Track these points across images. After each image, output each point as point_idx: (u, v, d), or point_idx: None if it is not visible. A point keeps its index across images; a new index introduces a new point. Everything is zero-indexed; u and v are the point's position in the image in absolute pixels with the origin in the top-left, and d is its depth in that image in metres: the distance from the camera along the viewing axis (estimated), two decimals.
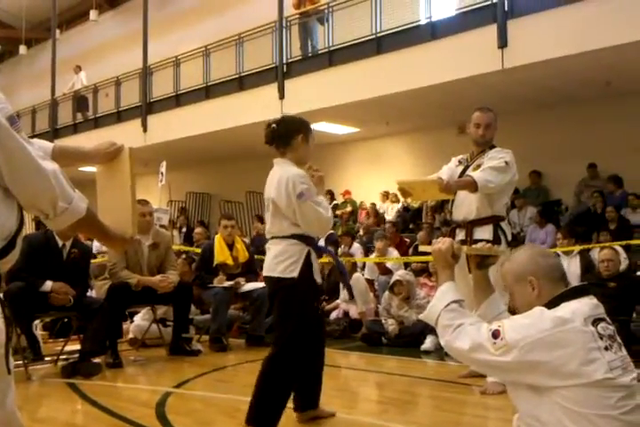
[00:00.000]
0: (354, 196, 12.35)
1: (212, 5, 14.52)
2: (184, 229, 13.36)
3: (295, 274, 2.98)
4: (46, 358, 5.26)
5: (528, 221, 9.09)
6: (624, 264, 6.14)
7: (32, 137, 1.68)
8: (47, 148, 1.86)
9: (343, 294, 7.07)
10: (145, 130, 13.26)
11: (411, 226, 10.45)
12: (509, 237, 4.16)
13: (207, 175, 15.31)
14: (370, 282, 7.54)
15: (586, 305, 1.88)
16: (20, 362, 4.67)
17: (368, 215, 11.02)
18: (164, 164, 9.10)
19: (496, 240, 3.94)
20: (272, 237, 3.10)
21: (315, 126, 11.41)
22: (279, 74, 10.78)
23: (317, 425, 3.28)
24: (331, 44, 10.32)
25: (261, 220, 12.22)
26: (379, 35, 9.58)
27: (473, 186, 3.89)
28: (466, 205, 4.14)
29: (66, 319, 6.21)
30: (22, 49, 19.29)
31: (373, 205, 11.20)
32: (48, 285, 4.74)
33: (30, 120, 16.76)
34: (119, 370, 4.96)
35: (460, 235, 4.17)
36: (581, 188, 9.40)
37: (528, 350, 1.81)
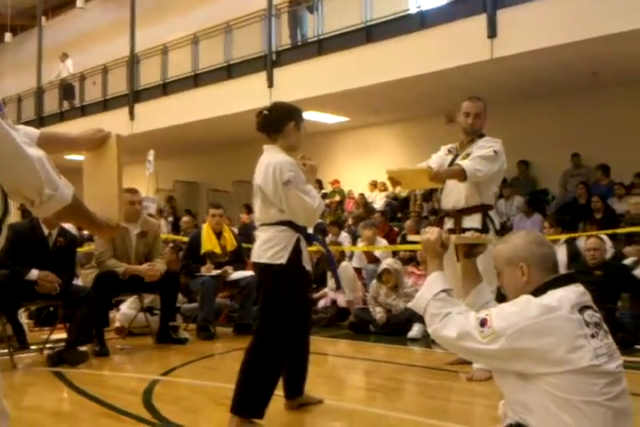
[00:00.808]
0: (342, 185, 12.35)
1: None
2: (171, 218, 13.31)
3: (283, 260, 2.94)
4: (32, 347, 5.24)
5: (515, 211, 9.14)
6: (610, 253, 6.19)
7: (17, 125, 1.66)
8: (33, 134, 1.84)
9: (331, 282, 7.08)
10: (132, 118, 13.18)
11: (399, 215, 10.48)
12: (497, 226, 4.18)
13: (195, 164, 15.24)
14: (358, 271, 7.55)
15: (572, 293, 1.89)
16: (6, 351, 4.66)
17: (357, 205, 11.03)
18: (152, 152, 9.05)
19: (484, 229, 3.95)
20: (261, 224, 3.08)
21: (304, 115, 11.45)
22: (268, 62, 10.72)
23: (306, 412, 3.29)
24: (320, 33, 10.27)
25: (249, 209, 12.19)
26: (368, 24, 9.55)
27: (462, 175, 3.90)
28: (455, 194, 4.15)
29: (52, 308, 6.18)
30: (8, 36, 19.06)
31: (362, 195, 11.20)
32: (34, 273, 4.70)
33: (16, 108, 16.58)
34: (106, 358, 4.94)
35: (449, 223, 4.18)
36: (567, 178, 9.47)
37: (515, 337, 1.82)
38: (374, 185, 11.55)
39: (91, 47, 16.45)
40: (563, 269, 2.07)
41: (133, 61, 13.51)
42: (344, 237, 8.81)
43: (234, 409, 2.91)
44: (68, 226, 5.42)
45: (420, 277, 6.31)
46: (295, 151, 3.17)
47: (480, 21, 8.11)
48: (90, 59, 15.25)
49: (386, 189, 11.19)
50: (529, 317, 1.82)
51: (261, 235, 3.05)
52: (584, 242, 5.87)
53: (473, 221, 4.08)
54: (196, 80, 12.11)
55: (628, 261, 6.04)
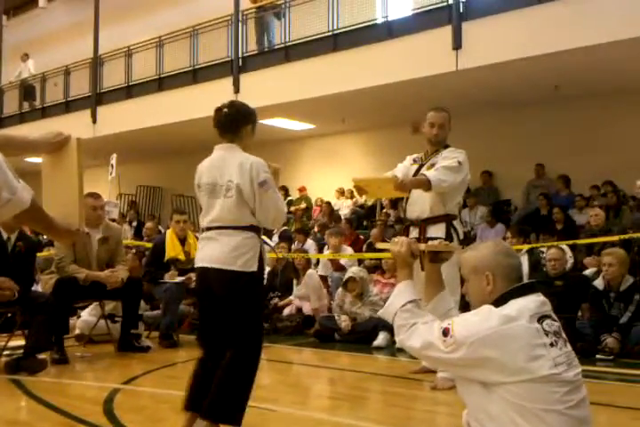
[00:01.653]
0: (309, 192, 12.36)
1: None
2: (134, 223, 13.14)
3: (255, 268, 2.87)
4: None
5: (479, 220, 9.28)
6: (570, 263, 6.33)
7: None
8: None
9: (296, 289, 7.08)
10: (94, 121, 12.96)
11: (365, 223, 10.53)
12: (461, 236, 4.25)
13: (159, 169, 15.06)
14: (323, 278, 7.56)
15: (532, 302, 1.92)
16: None
17: (323, 212, 11.04)
18: (115, 156, 8.93)
19: (448, 238, 4.01)
20: (224, 227, 2.88)
21: (270, 122, 11.49)
22: (234, 68, 10.68)
23: (270, 421, 3.28)
24: (287, 40, 10.28)
25: None
26: (335, 32, 9.60)
27: (427, 184, 3.95)
28: (419, 204, 4.20)
29: (9, 314, 6.03)
30: None
31: (328, 203, 11.22)
32: None
33: None
34: (65, 366, 4.85)
35: (414, 233, 4.22)
36: (529, 188, 9.65)
37: (476, 346, 1.85)
38: (341, 193, 11.59)
39: (53, 47, 16.16)
40: (524, 279, 2.11)
41: (97, 63, 13.31)
42: (310, 244, 8.81)
43: (211, 416, 2.79)
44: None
45: (386, 286, 6.36)
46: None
47: (445, 33, 8.23)
48: (52, 59, 14.97)
49: (352, 197, 11.24)
50: (489, 326, 1.85)
51: (226, 239, 2.86)
52: (545, 252, 5.99)
53: (437, 230, 4.13)
54: (161, 84, 11.99)
55: (587, 272, 6.18)
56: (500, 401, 1.86)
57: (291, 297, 7.16)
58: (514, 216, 9.37)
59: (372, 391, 3.78)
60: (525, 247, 6.65)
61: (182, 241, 6.19)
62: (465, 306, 3.12)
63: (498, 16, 7.89)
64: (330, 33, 9.64)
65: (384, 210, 10.23)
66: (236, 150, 2.96)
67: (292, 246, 8.48)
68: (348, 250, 8.01)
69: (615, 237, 6.38)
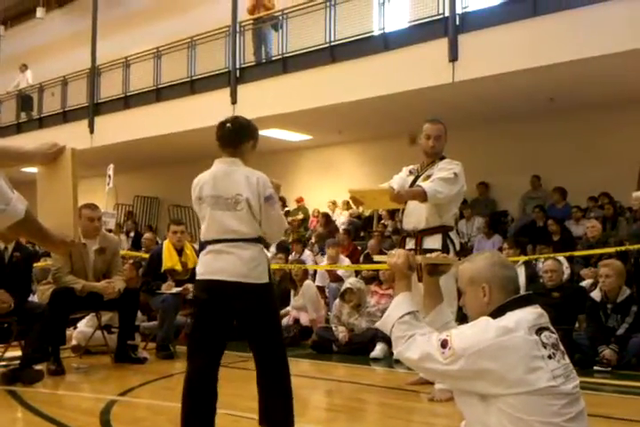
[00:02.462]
0: (306, 203, 12.38)
1: (165, 7, 14.34)
2: (132, 234, 13.11)
3: (267, 279, 2.91)
4: None
5: (476, 232, 9.29)
6: (566, 274, 6.34)
7: None
8: None
9: (294, 300, 7.07)
10: (92, 131, 12.99)
11: (362, 234, 10.54)
12: (458, 247, 4.25)
13: (156, 179, 15.07)
14: (321, 289, 7.55)
15: (530, 314, 1.93)
16: None
17: (320, 223, 11.05)
18: (112, 166, 8.94)
19: (445, 249, 4.01)
20: (237, 240, 2.88)
21: (267, 133, 11.52)
22: (232, 79, 10.73)
23: None
24: (284, 51, 10.34)
25: None
26: (332, 44, 9.66)
27: (423, 196, 3.97)
28: (416, 215, 4.22)
29: (5, 324, 6.00)
30: None
31: (325, 213, 11.23)
32: None
33: None
34: (62, 377, 4.82)
35: (410, 244, 4.23)
36: (526, 200, 9.68)
37: (474, 358, 1.85)
38: (334, 205, 11.64)
39: (50, 58, 16.20)
40: (521, 291, 2.12)
41: (94, 74, 13.35)
42: (307, 255, 8.81)
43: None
44: None
45: (383, 297, 6.36)
46: None
47: (442, 45, 8.29)
48: (49, 70, 15.01)
49: (349, 208, 11.26)
50: (487, 338, 1.86)
51: (240, 252, 2.86)
52: (542, 264, 6.00)
53: (434, 241, 4.14)
54: (158, 94, 12.03)
55: (584, 284, 6.19)
56: (497, 413, 1.86)
57: (288, 308, 7.14)
58: (510, 228, 9.40)
59: (369, 403, 3.77)
60: (522, 259, 6.66)
61: (179, 252, 6.18)
62: (462, 318, 3.13)
63: (494, 28, 7.96)
64: (327, 44, 9.71)
65: (382, 221, 10.24)
66: (240, 164, 2.98)
67: (290, 257, 8.48)
68: (346, 261, 8.02)
69: (612, 249, 6.40)
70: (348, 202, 11.02)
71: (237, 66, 10.84)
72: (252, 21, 11.06)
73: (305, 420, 3.61)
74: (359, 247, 9.17)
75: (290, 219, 11.36)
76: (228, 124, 3.00)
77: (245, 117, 3.17)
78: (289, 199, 12.34)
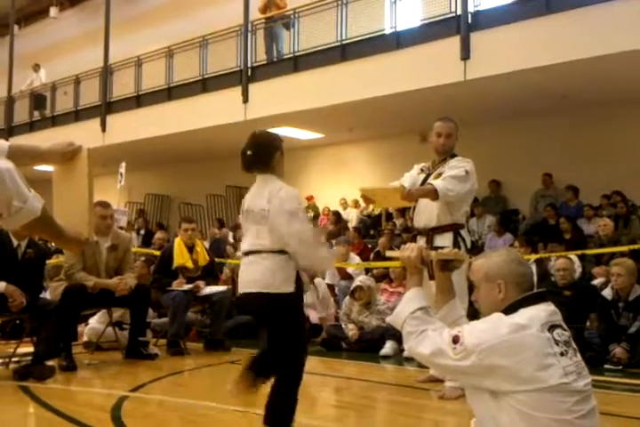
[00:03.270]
0: (317, 201, 12.39)
1: (177, 6, 14.40)
2: (142, 231, 13.18)
3: (291, 288, 2.90)
4: None
5: (487, 230, 9.26)
6: (578, 273, 6.31)
7: None
8: (3, 147, 1.82)
9: (304, 298, 7.07)
10: (104, 130, 13.05)
11: (372, 232, 10.52)
12: (469, 245, 4.24)
13: (167, 177, 15.14)
14: (331, 287, 7.55)
15: (543, 311, 1.92)
16: None
17: (330, 221, 11.05)
18: (124, 164, 8.98)
19: (456, 247, 3.99)
20: (259, 251, 2.93)
21: (278, 131, 11.51)
22: (243, 77, 10.75)
23: None
24: (296, 50, 10.35)
25: (221, 224, 12.14)
26: (344, 42, 9.65)
27: (434, 194, 3.96)
28: (427, 213, 4.21)
29: (18, 321, 6.06)
30: None
31: (336, 212, 11.22)
32: (1, 285, 4.61)
33: None
34: (73, 373, 4.84)
35: (421, 242, 4.22)
36: (537, 198, 9.63)
37: (486, 354, 1.85)
38: (345, 204, 11.63)
39: (63, 57, 16.32)
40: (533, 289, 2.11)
41: (107, 72, 13.42)
42: None
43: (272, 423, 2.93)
44: None
45: (393, 295, 6.35)
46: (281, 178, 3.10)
47: (454, 43, 8.26)
48: (62, 69, 15.12)
49: (358, 206, 11.25)
50: (499, 334, 1.85)
51: (262, 262, 2.92)
52: (553, 262, 5.98)
53: (444, 239, 4.13)
54: (170, 93, 12.08)
55: (596, 282, 6.15)
56: (509, 410, 1.86)
57: None
58: (522, 226, 9.35)
59: (379, 401, 3.77)
60: (534, 257, 6.63)
61: (190, 249, 6.20)
62: (473, 314, 3.12)
63: (506, 26, 7.92)
64: (338, 43, 9.70)
65: (393, 219, 10.23)
66: (269, 180, 3.00)
67: None
68: (356, 259, 8.01)
69: (624, 248, 6.36)
70: (356, 200, 11.02)
71: (249, 65, 10.86)
72: (263, 20, 11.08)
73: (315, 417, 3.62)
74: (369, 245, 9.16)
75: None
76: (249, 152, 3.01)
77: (263, 132, 3.17)
78: (300, 197, 12.32)
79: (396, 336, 5.22)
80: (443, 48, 8.41)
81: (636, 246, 6.27)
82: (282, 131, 10.99)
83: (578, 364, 1.89)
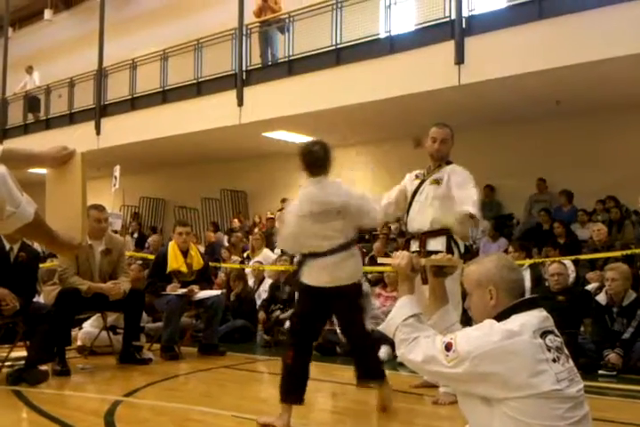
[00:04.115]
0: None
1: (172, 9, 14.39)
2: (136, 235, 13.15)
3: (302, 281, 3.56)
4: None
5: (481, 234, 9.27)
6: (572, 278, 6.32)
7: None
8: None
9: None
10: (98, 133, 13.02)
11: (366, 236, 10.51)
12: (462, 250, 4.25)
13: (162, 181, 15.10)
14: None
15: (535, 318, 1.93)
16: None
17: None
18: (118, 168, 8.96)
19: (449, 252, 4.01)
20: (347, 246, 3.48)
21: (272, 135, 11.50)
22: (238, 81, 10.75)
23: None
24: (291, 54, 10.36)
25: (215, 227, 12.11)
26: (338, 46, 9.67)
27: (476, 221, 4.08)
28: (420, 218, 4.22)
29: (10, 325, 6.01)
30: None
31: None
32: None
33: None
34: (67, 378, 4.83)
35: (414, 246, 4.23)
36: (532, 203, 9.65)
37: (478, 361, 1.85)
38: None
39: (58, 60, 16.28)
40: (527, 294, 2.11)
41: (101, 75, 13.40)
42: None
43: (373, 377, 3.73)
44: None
45: (388, 299, 6.35)
46: None
47: (448, 48, 8.27)
48: (56, 71, 15.08)
49: None
50: (491, 341, 1.86)
51: (355, 256, 3.56)
52: (547, 267, 5.98)
53: (437, 243, 4.15)
54: (165, 96, 12.06)
55: (589, 287, 6.17)
56: (501, 417, 1.86)
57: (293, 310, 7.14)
58: (516, 231, 9.37)
59: (373, 406, 3.76)
60: (528, 262, 6.64)
61: (184, 253, 6.19)
62: (467, 321, 3.12)
63: (500, 31, 7.95)
64: (333, 47, 9.71)
65: (388, 224, 10.22)
66: (329, 180, 3.62)
67: (295, 259, 8.47)
68: None
69: (618, 253, 6.38)
70: None
71: (244, 68, 10.86)
72: (258, 24, 11.09)
73: (309, 422, 3.63)
74: (364, 250, 9.15)
75: None
76: (322, 157, 3.62)
77: (317, 142, 3.76)
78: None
79: (390, 341, 5.12)
80: (437, 53, 8.42)
81: (629, 251, 6.29)
82: (276, 135, 11.03)
83: (570, 370, 1.90)
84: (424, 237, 4.19)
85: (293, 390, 3.43)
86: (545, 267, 6.42)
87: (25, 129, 15.21)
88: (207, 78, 11.43)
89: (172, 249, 6.16)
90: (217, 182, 13.18)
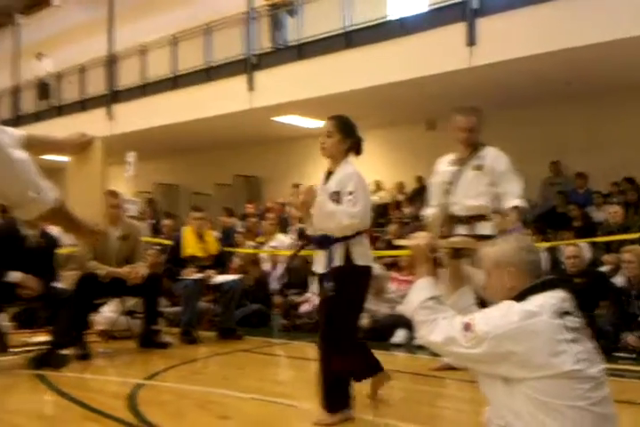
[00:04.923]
0: None
1: None
2: (150, 221, 13.19)
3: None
4: (13, 350, 5.16)
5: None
6: (587, 260, 6.30)
7: None
8: (18, 137, 1.83)
9: (312, 286, 7.10)
10: (110, 119, 13.05)
11: (380, 220, 10.51)
12: None
13: (175, 166, 15.13)
14: None
15: (554, 298, 1.93)
16: None
17: None
18: (133, 154, 8.94)
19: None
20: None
21: (284, 119, 11.42)
22: (248, 65, 10.70)
23: (288, 418, 3.32)
24: (301, 37, 10.29)
25: (229, 213, 12.13)
26: (348, 29, 9.58)
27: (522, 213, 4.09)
28: (467, 202, 4.19)
29: (32, 310, 6.10)
30: None
31: None
32: (15, 275, 4.66)
33: None
34: (87, 362, 4.90)
35: (461, 229, 4.10)
36: (546, 186, 9.59)
37: (497, 342, 1.86)
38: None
39: (68, 46, 16.22)
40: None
41: (112, 61, 13.38)
42: None
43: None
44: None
45: (403, 283, 6.36)
46: None
47: (459, 29, 8.20)
48: (67, 57, 15.05)
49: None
50: (510, 321, 1.86)
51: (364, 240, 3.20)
52: (563, 250, 5.96)
53: (485, 227, 4.12)
54: (176, 82, 12.03)
55: (604, 269, 6.14)
56: (522, 397, 1.87)
57: (308, 294, 7.19)
58: (531, 214, 9.32)
59: (392, 389, 3.75)
60: (544, 245, 6.62)
61: (200, 238, 6.23)
62: (480, 303, 3.13)
63: (512, 12, 7.84)
64: (343, 30, 9.62)
65: (401, 207, 10.20)
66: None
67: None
68: None
69: (635, 235, 6.32)
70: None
71: (254, 52, 10.81)
72: (267, 7, 11.01)
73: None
74: (378, 234, 9.16)
75: None
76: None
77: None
78: (305, 186, 12.31)
79: (407, 324, 5.23)
80: (448, 34, 8.33)
81: None
82: (287, 119, 11.00)
83: (590, 351, 1.90)
84: (472, 220, 4.15)
85: (344, 397, 3.21)
86: (561, 250, 6.40)
87: (37, 116, 15.25)
88: (218, 63, 11.39)
89: (188, 234, 6.21)
90: (230, 168, 13.17)
